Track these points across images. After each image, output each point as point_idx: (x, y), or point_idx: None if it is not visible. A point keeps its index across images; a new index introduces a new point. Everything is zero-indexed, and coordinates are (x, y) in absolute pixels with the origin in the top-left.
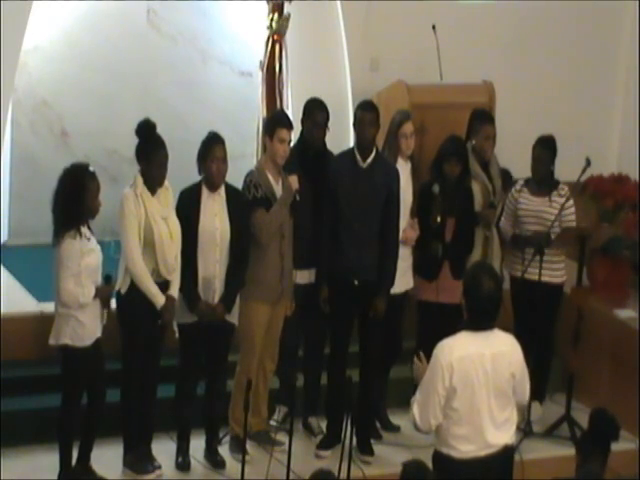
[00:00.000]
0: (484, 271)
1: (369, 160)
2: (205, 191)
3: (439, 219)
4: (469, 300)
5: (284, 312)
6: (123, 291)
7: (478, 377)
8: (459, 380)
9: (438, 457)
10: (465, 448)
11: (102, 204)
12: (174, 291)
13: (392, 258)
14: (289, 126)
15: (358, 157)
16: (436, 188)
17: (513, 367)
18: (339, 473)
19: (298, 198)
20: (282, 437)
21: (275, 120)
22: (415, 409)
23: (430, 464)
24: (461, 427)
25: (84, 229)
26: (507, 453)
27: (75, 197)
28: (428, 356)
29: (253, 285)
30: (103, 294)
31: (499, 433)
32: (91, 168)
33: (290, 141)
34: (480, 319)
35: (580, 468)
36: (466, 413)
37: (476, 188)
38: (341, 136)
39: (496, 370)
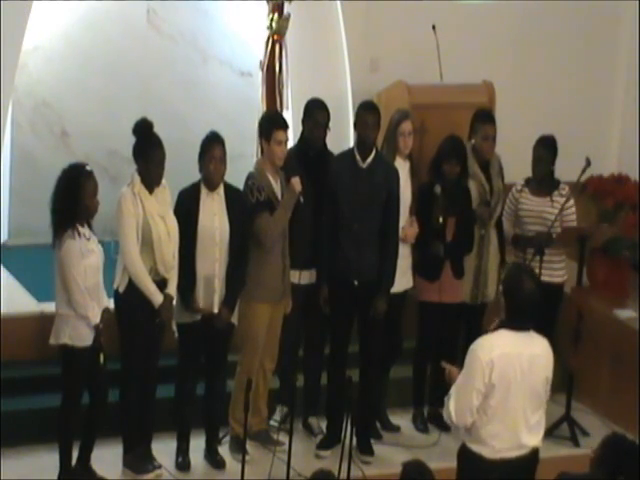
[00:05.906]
0: (525, 272)
1: (369, 160)
2: (204, 191)
3: (441, 219)
4: (510, 300)
5: (284, 311)
6: (121, 290)
7: (515, 376)
8: (498, 377)
9: (466, 454)
10: (498, 446)
11: (101, 204)
12: (172, 289)
13: (392, 258)
14: (285, 126)
15: (358, 157)
16: (438, 189)
17: (548, 371)
18: (339, 473)
19: (302, 200)
20: (282, 437)
21: (270, 122)
22: (451, 405)
23: (430, 464)
24: (495, 425)
25: (83, 229)
26: (534, 456)
27: (71, 196)
28: (430, 357)
29: (255, 286)
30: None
31: (530, 435)
32: (88, 167)
33: (287, 141)
34: (520, 319)
35: (596, 466)
36: (501, 411)
37: (472, 187)
38: (341, 136)
39: (532, 371)
